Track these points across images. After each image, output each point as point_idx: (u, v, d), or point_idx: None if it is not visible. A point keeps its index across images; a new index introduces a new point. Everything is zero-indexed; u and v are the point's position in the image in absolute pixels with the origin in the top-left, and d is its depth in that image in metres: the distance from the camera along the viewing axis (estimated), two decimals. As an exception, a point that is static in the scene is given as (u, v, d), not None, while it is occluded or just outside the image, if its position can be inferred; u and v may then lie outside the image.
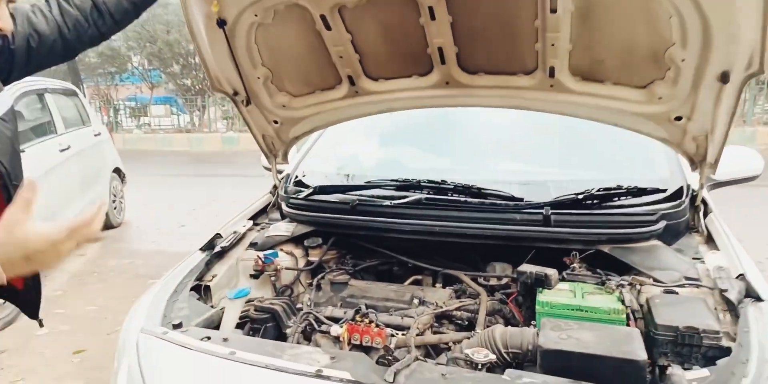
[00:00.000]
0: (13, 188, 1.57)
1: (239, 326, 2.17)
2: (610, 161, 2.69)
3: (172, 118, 16.90)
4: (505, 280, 2.23)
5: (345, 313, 1.98)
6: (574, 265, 2.14)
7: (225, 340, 1.72)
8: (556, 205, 2.27)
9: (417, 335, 1.86)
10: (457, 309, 2.03)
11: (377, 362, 1.72)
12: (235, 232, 2.52)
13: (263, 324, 2.11)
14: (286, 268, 2.36)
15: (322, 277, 2.29)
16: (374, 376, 1.45)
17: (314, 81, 2.50)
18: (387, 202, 2.47)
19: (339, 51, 2.27)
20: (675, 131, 2.20)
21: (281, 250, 2.49)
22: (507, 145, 2.86)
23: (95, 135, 6.79)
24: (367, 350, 1.84)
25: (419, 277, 2.50)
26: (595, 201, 2.32)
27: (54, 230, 1.01)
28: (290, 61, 2.43)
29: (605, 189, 2.35)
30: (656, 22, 1.84)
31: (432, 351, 1.92)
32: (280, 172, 3.00)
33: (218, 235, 2.48)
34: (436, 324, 1.99)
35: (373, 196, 2.60)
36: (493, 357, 1.60)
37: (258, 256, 2.33)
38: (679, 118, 2.14)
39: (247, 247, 2.51)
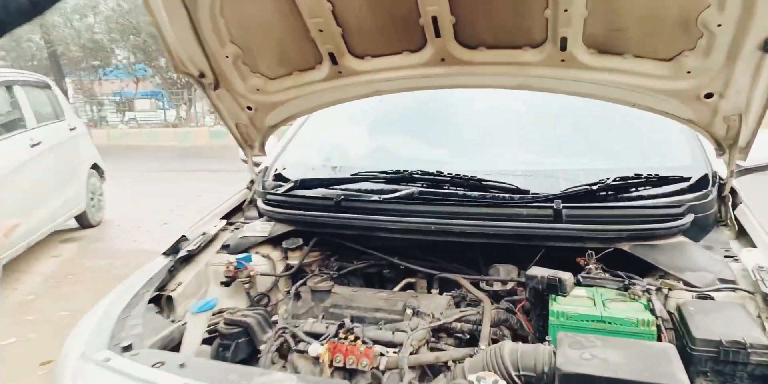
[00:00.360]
0: None
1: (208, 342, 1.89)
2: (626, 148, 2.41)
3: (159, 113, 16.50)
4: (510, 285, 1.95)
5: (327, 327, 1.70)
6: (590, 266, 1.87)
7: (181, 365, 1.43)
8: (567, 197, 2.00)
9: (411, 353, 1.58)
10: (457, 320, 1.75)
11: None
12: (204, 234, 2.23)
13: (234, 339, 1.82)
14: (261, 274, 2.07)
15: (302, 284, 2.00)
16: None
17: (291, 60, 2.20)
18: (375, 197, 2.18)
19: (318, 24, 1.97)
20: (703, 111, 1.92)
21: (257, 252, 2.20)
22: (511, 132, 2.57)
23: (70, 129, 6.45)
24: (352, 373, 1.57)
25: (412, 279, 2.22)
26: (611, 192, 2.05)
27: None
28: (263, 37, 2.12)
29: (622, 179, 2.07)
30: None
31: (429, 370, 1.64)
32: (257, 164, 2.70)
33: (184, 238, 2.18)
34: (432, 339, 1.71)
35: (360, 191, 2.31)
36: (503, 384, 1.32)
37: (228, 260, 2.04)
38: (709, 96, 1.85)
39: (219, 250, 2.22)
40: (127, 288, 1.86)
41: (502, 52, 1.93)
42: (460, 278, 1.98)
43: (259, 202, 2.37)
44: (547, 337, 1.51)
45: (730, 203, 2.16)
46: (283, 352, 1.72)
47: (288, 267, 2.20)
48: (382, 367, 1.56)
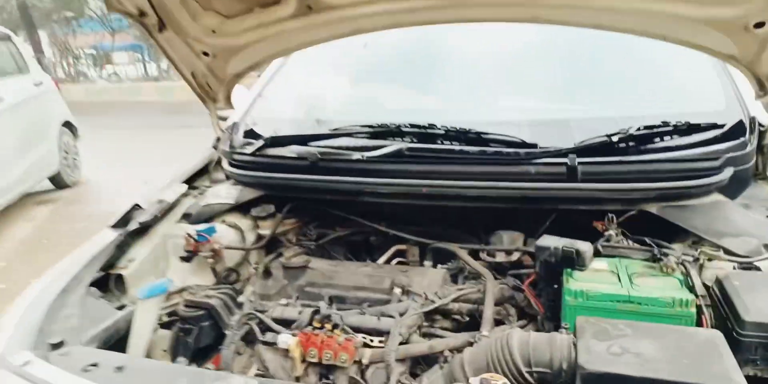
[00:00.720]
0: None
1: (167, 326, 1.63)
2: (649, 91, 2.08)
3: (138, 67, 15.77)
4: (516, 255, 1.68)
5: (300, 313, 1.43)
6: (610, 232, 1.59)
7: (119, 369, 1.17)
8: (583, 151, 1.69)
9: (400, 343, 1.32)
10: (455, 300, 1.48)
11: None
12: (161, 201, 1.92)
13: (196, 324, 1.57)
14: (227, 247, 1.79)
15: (274, 259, 1.73)
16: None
17: (251, -8, 1.81)
18: (358, 156, 1.88)
19: (277, -58, 1.58)
20: (750, 44, 1.58)
21: (223, 222, 1.91)
22: (514, 76, 2.22)
23: (35, 85, 5.99)
24: (330, 370, 1.31)
25: (403, 247, 1.97)
26: (634, 144, 1.74)
27: None
28: (213, -38, 1.74)
29: (647, 127, 1.76)
30: None
31: (422, 359, 1.39)
32: (223, 119, 2.35)
33: (136, 207, 1.88)
34: (425, 323, 1.46)
35: (340, 148, 2.00)
36: (514, 391, 1.06)
37: (187, 233, 1.75)
38: (760, 25, 1.51)
39: (179, 219, 1.93)
40: (64, 270, 1.57)
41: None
42: (457, 248, 1.70)
43: (225, 164, 2.06)
44: (564, 324, 1.24)
45: (770, 154, 1.86)
46: (250, 339, 1.46)
47: (259, 238, 1.91)
48: (365, 361, 1.30)
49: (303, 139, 2.07)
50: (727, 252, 1.45)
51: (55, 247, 4.77)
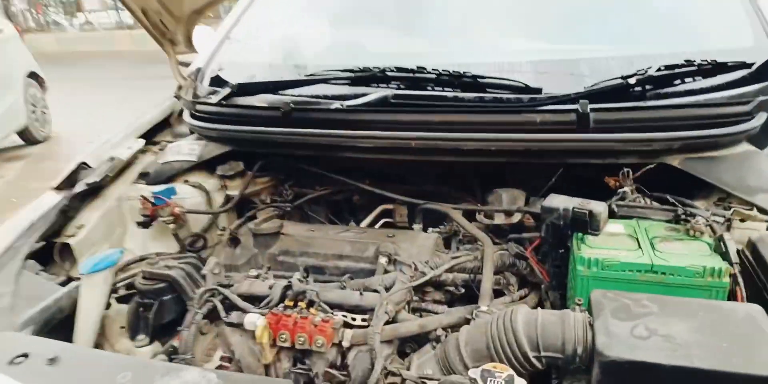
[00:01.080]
0: None
1: (124, 300, 1.44)
2: (668, 26, 1.82)
3: (111, 14, 14.91)
4: (517, 217, 1.48)
5: (271, 287, 1.23)
6: (625, 189, 1.39)
7: (52, 361, 0.98)
8: (595, 96, 1.47)
9: (386, 322, 1.14)
10: (449, 270, 1.29)
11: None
12: (112, 159, 1.68)
13: (157, 297, 1.37)
14: (189, 211, 1.57)
15: (242, 224, 1.52)
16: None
17: None
18: (337, 105, 1.64)
19: None
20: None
21: (185, 181, 1.68)
22: (514, 11, 1.94)
23: (-6, 33, 5.55)
24: (305, 353, 1.13)
25: (390, 206, 1.77)
26: (653, 87, 1.52)
27: None
28: None
29: (667, 67, 1.53)
30: None
31: (411, 337, 1.21)
32: (185, 65, 2.08)
33: (84, 165, 1.64)
34: (416, 297, 1.27)
35: (317, 97, 1.75)
36: (522, 385, 0.89)
37: (142, 195, 1.53)
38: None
39: (135, 179, 1.70)
40: (-3, 240, 1.36)
41: None
42: (451, 209, 1.50)
43: (186, 116, 1.81)
44: (577, 299, 1.06)
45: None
46: (215, 317, 1.27)
47: (227, 199, 1.70)
48: (346, 343, 1.12)
49: (275, 87, 1.82)
50: (762, 210, 1.26)
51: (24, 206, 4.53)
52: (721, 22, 1.83)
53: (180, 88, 1.99)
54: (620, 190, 1.40)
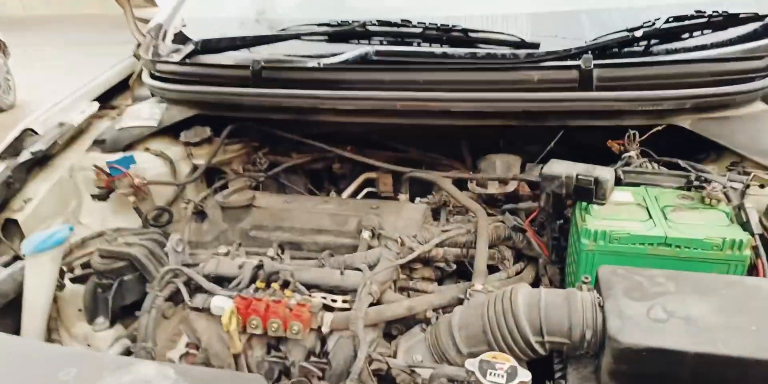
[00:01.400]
0: None
1: (79, 281, 1.30)
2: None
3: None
4: (513, 186, 1.36)
5: (241, 267, 1.10)
6: (631, 154, 1.27)
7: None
8: (598, 51, 1.33)
9: (370, 304, 1.02)
10: (439, 245, 1.17)
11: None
12: (62, 125, 1.51)
13: (116, 277, 1.23)
14: (150, 183, 1.42)
15: (209, 196, 1.38)
16: None
17: None
18: (313, 63, 1.48)
19: None
20: None
21: (146, 149, 1.52)
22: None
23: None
24: (281, 341, 1.01)
25: (373, 175, 1.64)
26: (660, 41, 1.38)
27: None
28: None
29: (676, 19, 1.39)
30: None
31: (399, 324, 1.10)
32: (145, 21, 1.87)
33: (30, 132, 1.47)
34: (403, 275, 1.15)
35: (290, 55, 1.58)
36: (527, 379, 0.77)
37: (94, 165, 1.37)
38: None
39: (89, 147, 1.53)
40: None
41: None
42: (440, 178, 1.37)
43: (146, 76, 1.62)
44: (584, 277, 0.94)
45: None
46: (180, 299, 1.14)
47: (195, 169, 1.54)
48: (325, 329, 1.00)
49: (244, 43, 1.66)
50: (781, 176, 1.15)
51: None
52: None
53: (139, 46, 1.80)
54: (625, 155, 1.28)
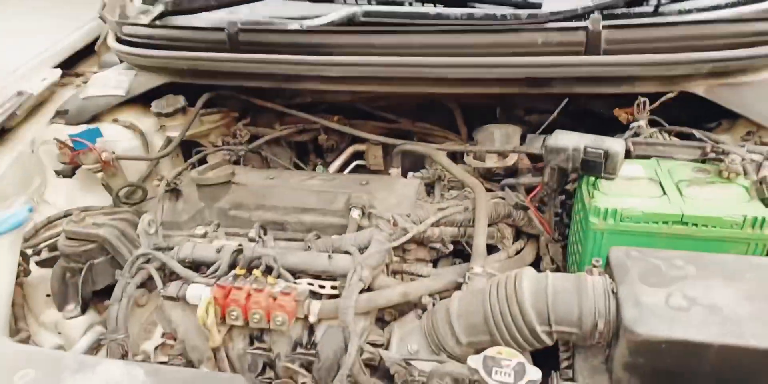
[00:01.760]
0: None
1: (46, 265, 1.21)
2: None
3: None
4: (513, 159, 1.26)
5: (219, 251, 1.00)
6: (640, 123, 1.18)
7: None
8: (606, 12, 1.22)
9: (361, 291, 0.93)
10: (435, 224, 1.08)
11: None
12: (20, 94, 1.38)
13: (86, 260, 1.14)
14: (119, 158, 1.30)
15: (183, 172, 1.27)
16: None
17: None
18: (295, 25, 1.35)
19: None
20: None
21: (115, 121, 1.40)
22: None
23: None
24: (264, 331, 0.93)
25: (362, 147, 1.54)
26: (669, 1, 1.27)
27: None
28: None
29: (690, -24, 1.28)
30: None
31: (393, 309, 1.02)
32: (109, -21, 1.71)
33: (-17, 102, 1.34)
34: (396, 257, 1.07)
35: (271, 16, 1.45)
36: (537, 377, 0.70)
37: (55, 138, 1.25)
38: None
39: (52, 118, 1.41)
40: None
41: None
42: (434, 151, 1.27)
43: (111, 40, 1.48)
44: (595, 260, 0.86)
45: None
46: (154, 285, 1.05)
47: (168, 142, 1.43)
48: (313, 318, 0.92)
49: (219, 3, 1.49)
50: (801, 147, 1.07)
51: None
52: None
53: (104, 6, 1.64)
54: (634, 125, 1.19)
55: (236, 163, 1.47)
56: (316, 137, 1.59)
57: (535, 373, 0.70)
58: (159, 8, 1.51)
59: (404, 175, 1.33)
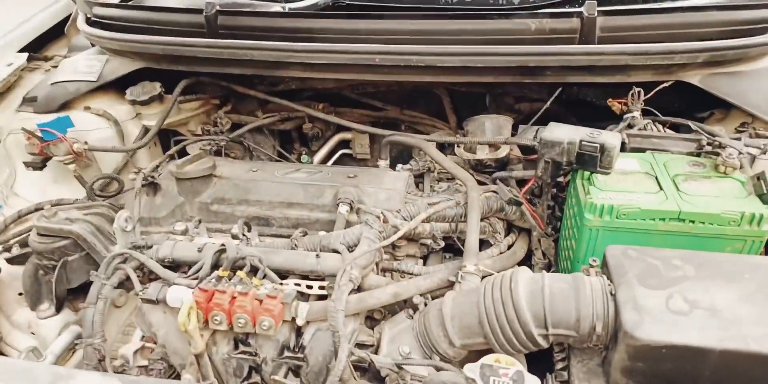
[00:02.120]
0: None
1: (17, 262, 1.16)
2: None
3: None
4: (505, 150, 1.23)
5: (201, 250, 0.96)
6: (635, 114, 1.15)
7: None
8: None
9: (351, 291, 0.90)
10: (426, 220, 1.04)
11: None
12: (-17, 81, 1.30)
13: (59, 257, 1.09)
14: (91, 149, 1.24)
15: (161, 164, 1.21)
16: None
17: None
18: (277, 7, 1.29)
19: None
20: None
21: (87, 108, 1.33)
22: None
23: None
24: (249, 335, 0.89)
25: (348, 135, 1.50)
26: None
27: None
28: None
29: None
30: None
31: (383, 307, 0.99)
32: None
33: (-56, 90, 1.26)
34: (386, 255, 1.03)
35: (251, -1, 1.40)
36: (536, 386, 0.68)
37: (23, 128, 1.18)
38: None
39: (19, 105, 1.33)
40: None
41: None
42: (424, 142, 1.22)
43: (81, 22, 1.40)
44: (592, 260, 0.84)
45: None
46: (131, 287, 1.00)
47: (145, 132, 1.36)
48: (300, 321, 0.88)
49: (195, -16, 1.42)
50: (796, 139, 1.06)
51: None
52: None
53: (74, -14, 1.55)
54: (627, 116, 1.16)
55: (217, 153, 1.41)
56: (301, 125, 1.54)
57: (533, 381, 0.67)
58: (132, -11, 1.44)
59: (393, 167, 1.28)
